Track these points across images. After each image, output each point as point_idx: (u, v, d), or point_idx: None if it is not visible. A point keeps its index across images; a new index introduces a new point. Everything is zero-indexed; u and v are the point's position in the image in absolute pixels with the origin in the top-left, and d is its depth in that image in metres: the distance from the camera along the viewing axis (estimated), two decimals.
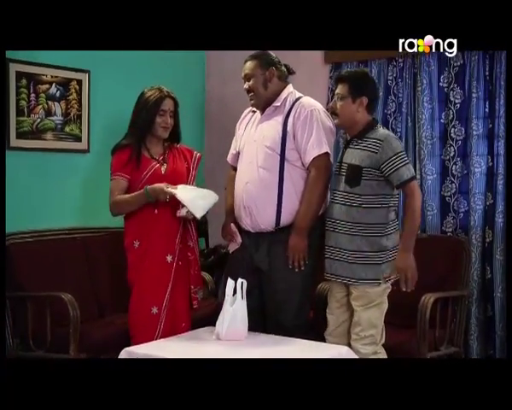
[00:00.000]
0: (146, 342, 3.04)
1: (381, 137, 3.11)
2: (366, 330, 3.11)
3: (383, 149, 3.06)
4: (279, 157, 3.24)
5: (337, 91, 3.21)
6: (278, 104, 3.32)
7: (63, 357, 3.33)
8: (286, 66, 3.41)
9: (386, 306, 3.16)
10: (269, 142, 3.26)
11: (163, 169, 3.28)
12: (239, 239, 3.38)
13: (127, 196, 3.25)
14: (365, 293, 3.11)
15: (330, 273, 3.21)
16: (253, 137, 3.35)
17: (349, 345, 3.17)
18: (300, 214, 3.23)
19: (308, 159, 3.23)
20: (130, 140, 3.27)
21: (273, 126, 3.29)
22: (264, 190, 3.24)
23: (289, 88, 3.39)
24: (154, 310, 3.20)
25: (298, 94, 3.37)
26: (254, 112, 3.46)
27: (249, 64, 3.35)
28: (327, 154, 3.25)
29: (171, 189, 3.15)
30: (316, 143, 3.21)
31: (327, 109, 3.33)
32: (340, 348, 2.96)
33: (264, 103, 3.35)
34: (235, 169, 3.49)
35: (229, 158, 3.57)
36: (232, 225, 3.38)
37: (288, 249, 3.23)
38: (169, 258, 3.27)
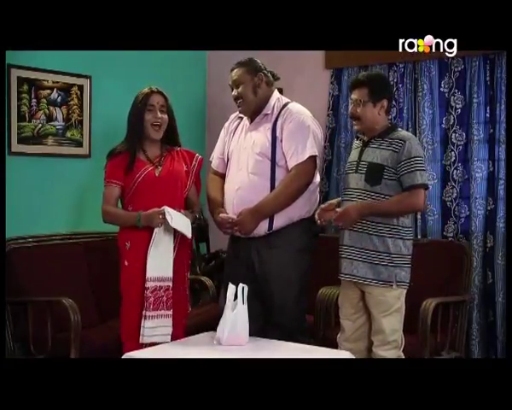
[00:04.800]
0: (138, 347, 3.03)
1: (404, 137, 3.09)
2: (389, 336, 3.08)
3: (404, 149, 3.03)
4: (270, 163, 3.24)
5: (355, 96, 3.15)
6: (268, 112, 3.31)
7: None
8: (271, 72, 3.40)
9: (404, 307, 3.14)
10: (259, 148, 3.26)
11: (157, 172, 3.24)
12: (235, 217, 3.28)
13: (119, 211, 3.25)
14: (383, 298, 3.08)
15: (343, 273, 3.17)
16: (243, 144, 3.34)
17: (367, 349, 3.19)
18: (265, 201, 3.21)
19: (291, 164, 3.22)
20: (124, 145, 3.26)
21: (262, 133, 3.28)
22: (256, 195, 3.22)
23: (276, 94, 3.38)
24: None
25: (285, 100, 3.37)
26: (241, 118, 3.45)
27: (237, 71, 3.34)
28: (310, 158, 3.23)
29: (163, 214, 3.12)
30: (300, 149, 3.20)
31: (351, 116, 3.22)
32: (341, 353, 2.95)
33: (253, 110, 3.33)
34: (216, 174, 3.47)
35: (215, 163, 3.51)
36: (221, 215, 3.29)
37: (237, 221, 3.22)
38: None
